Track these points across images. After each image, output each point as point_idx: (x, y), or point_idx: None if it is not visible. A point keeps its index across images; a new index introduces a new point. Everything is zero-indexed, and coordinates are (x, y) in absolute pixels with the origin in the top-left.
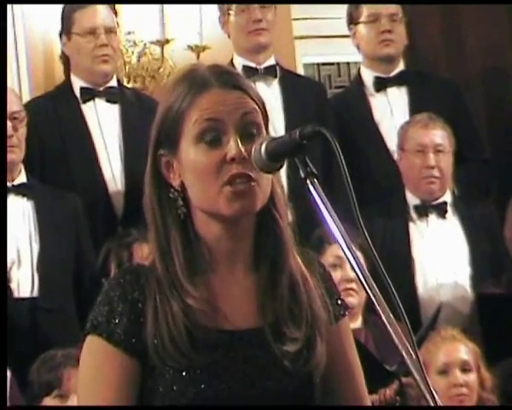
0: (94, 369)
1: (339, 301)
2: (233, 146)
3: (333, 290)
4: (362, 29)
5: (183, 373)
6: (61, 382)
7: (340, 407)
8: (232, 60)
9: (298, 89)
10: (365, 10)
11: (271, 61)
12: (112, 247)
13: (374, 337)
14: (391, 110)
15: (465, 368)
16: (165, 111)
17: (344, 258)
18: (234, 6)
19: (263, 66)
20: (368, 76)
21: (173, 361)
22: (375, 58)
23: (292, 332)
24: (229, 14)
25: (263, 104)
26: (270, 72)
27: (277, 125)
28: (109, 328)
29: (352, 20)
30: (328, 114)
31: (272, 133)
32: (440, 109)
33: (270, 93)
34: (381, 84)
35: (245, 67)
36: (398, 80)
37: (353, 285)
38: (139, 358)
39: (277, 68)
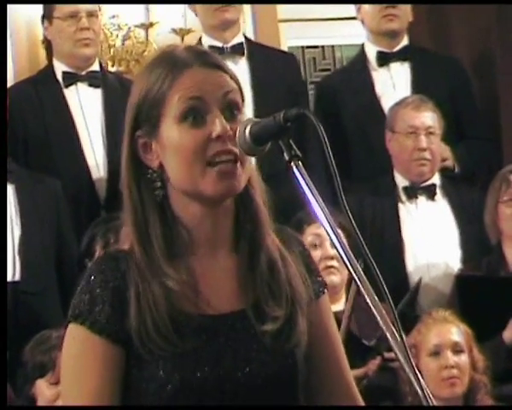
0: (77, 357)
1: (318, 278)
2: (218, 124)
3: (312, 268)
4: (366, 4)
5: (168, 360)
6: (54, 364)
7: (340, 406)
8: (200, 39)
9: (267, 63)
10: None
11: (239, 39)
12: (97, 232)
13: (357, 317)
14: (393, 85)
15: (456, 349)
16: (143, 92)
17: (323, 236)
18: None
19: (229, 44)
20: (371, 51)
21: (157, 348)
22: (378, 33)
23: (273, 310)
24: None
25: (239, 81)
26: (236, 50)
27: (246, 103)
28: (91, 316)
29: None
30: (300, 84)
31: None
32: (442, 86)
33: (238, 71)
34: (384, 59)
35: (211, 47)
36: (401, 55)
37: (334, 263)
38: (123, 345)
39: (245, 45)
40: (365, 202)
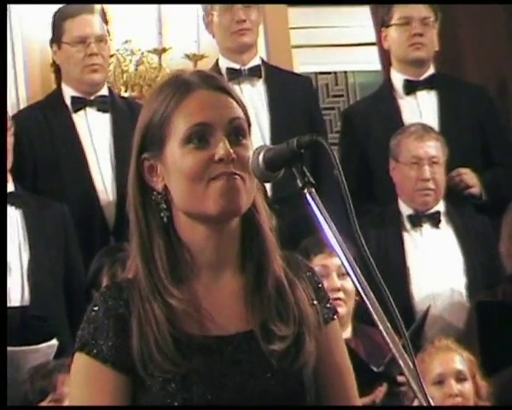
0: (84, 387)
1: (328, 305)
2: (221, 147)
3: (322, 294)
4: (393, 32)
5: (171, 381)
6: (55, 387)
7: (340, 407)
8: (217, 61)
9: (284, 86)
10: (397, 13)
11: (256, 61)
12: (104, 263)
13: (364, 346)
14: (420, 113)
15: (460, 378)
16: (149, 115)
17: (330, 267)
18: (217, 6)
19: (247, 66)
20: (398, 79)
21: (160, 371)
22: (405, 61)
23: (280, 330)
24: (212, 14)
25: (245, 108)
26: (254, 72)
27: (263, 125)
28: (96, 345)
29: (384, 23)
30: (316, 107)
31: (258, 133)
32: (470, 114)
33: (255, 93)
34: (411, 88)
35: (229, 69)
36: (428, 84)
37: (341, 294)
38: (128, 373)
39: (262, 68)
40: (370, 232)
